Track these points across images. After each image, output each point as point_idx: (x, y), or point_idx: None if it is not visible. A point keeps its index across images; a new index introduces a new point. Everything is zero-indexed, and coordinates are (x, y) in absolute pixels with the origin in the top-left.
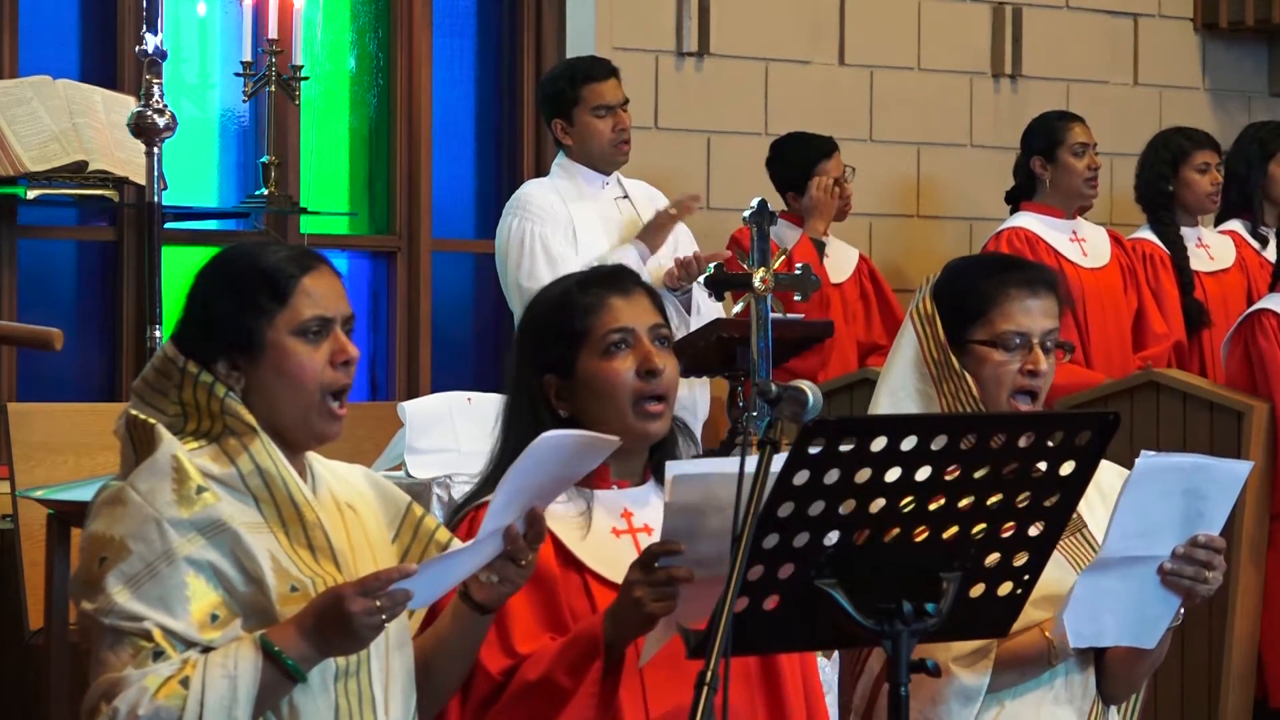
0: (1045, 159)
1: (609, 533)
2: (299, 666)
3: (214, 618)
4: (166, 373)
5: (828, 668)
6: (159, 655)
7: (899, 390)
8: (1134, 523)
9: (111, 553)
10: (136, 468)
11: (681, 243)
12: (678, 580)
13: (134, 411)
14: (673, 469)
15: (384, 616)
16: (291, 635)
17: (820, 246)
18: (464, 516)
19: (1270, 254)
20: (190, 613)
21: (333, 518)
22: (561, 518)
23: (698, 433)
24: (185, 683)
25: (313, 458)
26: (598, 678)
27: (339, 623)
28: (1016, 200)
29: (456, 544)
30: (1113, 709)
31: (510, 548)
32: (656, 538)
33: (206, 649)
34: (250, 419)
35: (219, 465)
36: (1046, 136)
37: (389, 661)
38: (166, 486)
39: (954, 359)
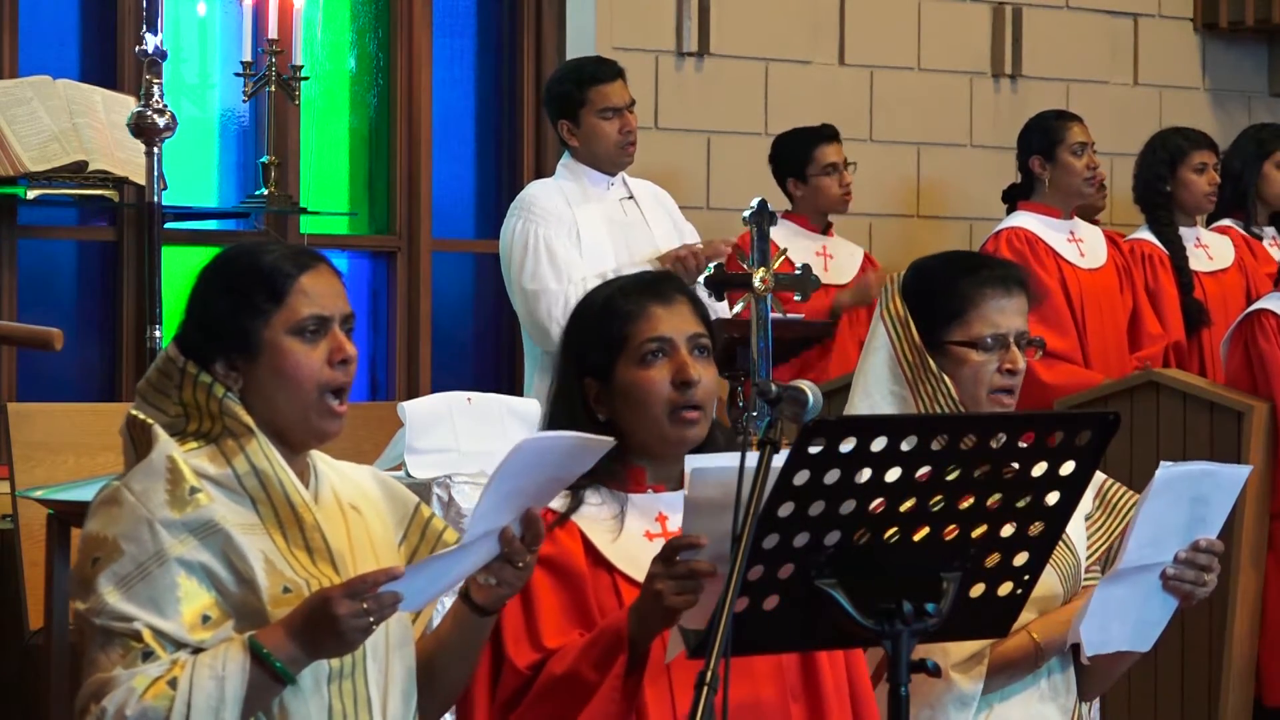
0: (1044, 158)
1: (641, 535)
2: (287, 668)
3: (205, 619)
4: (168, 373)
5: None
6: (148, 656)
7: (874, 393)
8: (1149, 533)
9: (104, 553)
10: (133, 468)
11: (687, 241)
12: (699, 574)
13: (134, 412)
14: (692, 463)
15: (371, 619)
16: (280, 637)
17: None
18: None
19: (1272, 249)
20: (181, 614)
21: (333, 519)
22: (593, 519)
23: None
24: (173, 683)
25: (319, 458)
26: (621, 672)
27: (326, 625)
28: (1014, 200)
29: (456, 545)
30: (1084, 704)
31: (507, 550)
32: None
33: (197, 650)
34: (247, 420)
35: (215, 466)
36: (1045, 136)
37: (388, 663)
38: (160, 487)
39: (930, 361)
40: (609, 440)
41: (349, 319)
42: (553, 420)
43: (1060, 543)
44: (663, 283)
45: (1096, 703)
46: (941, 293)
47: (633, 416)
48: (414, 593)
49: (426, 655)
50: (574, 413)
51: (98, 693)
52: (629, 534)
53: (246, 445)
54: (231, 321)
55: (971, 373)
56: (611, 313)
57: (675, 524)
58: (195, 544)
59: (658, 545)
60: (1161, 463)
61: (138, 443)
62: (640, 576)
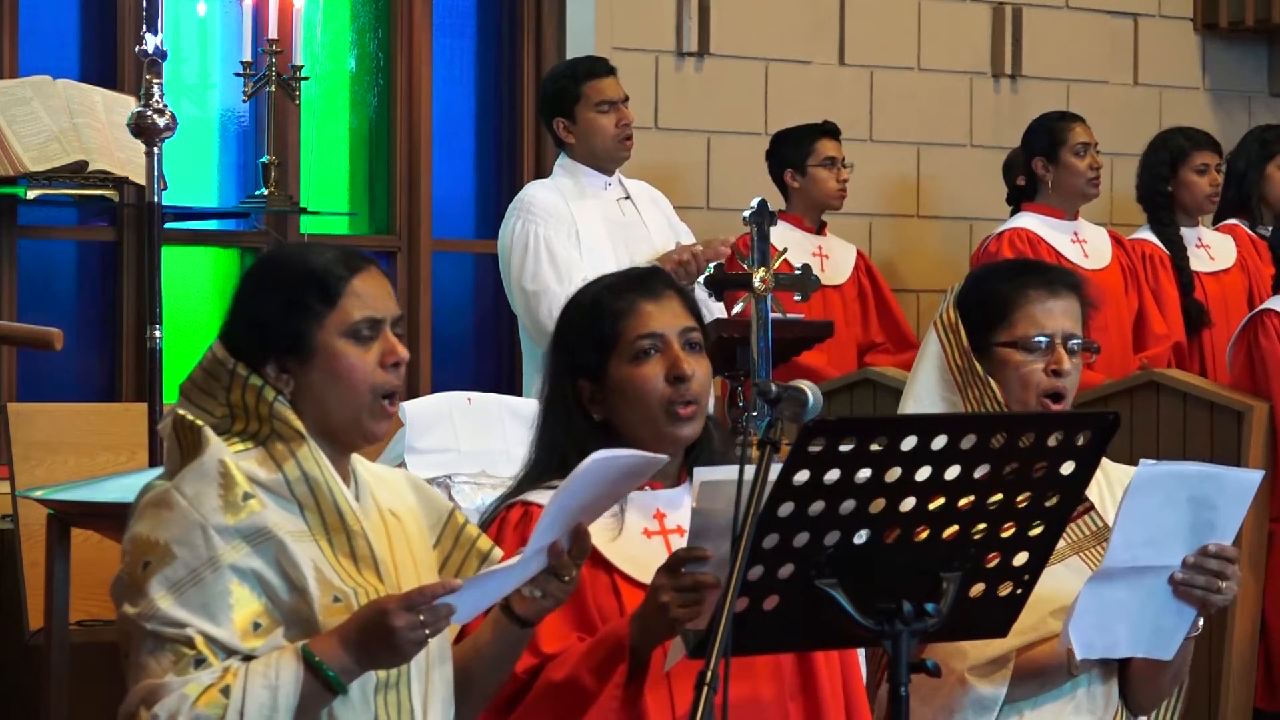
0: (1047, 159)
1: (640, 534)
2: (340, 678)
3: (256, 626)
4: (215, 374)
5: None
6: (200, 663)
7: (924, 398)
8: (1138, 532)
9: (155, 557)
10: (182, 470)
11: (684, 242)
12: (704, 586)
13: (181, 412)
14: (700, 475)
15: (427, 631)
16: (334, 647)
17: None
18: (495, 517)
19: None
20: (233, 621)
21: (376, 526)
22: None
23: None
24: (226, 691)
25: (358, 461)
26: (622, 680)
27: (382, 637)
28: (1018, 201)
29: (497, 553)
30: (1142, 719)
31: (554, 563)
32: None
33: (248, 657)
34: (298, 425)
35: (266, 471)
36: (1048, 137)
37: (430, 675)
38: (213, 492)
39: (977, 364)
40: (662, 458)
41: (399, 320)
42: (547, 423)
43: (1103, 548)
44: (651, 278)
45: (1176, 713)
46: (990, 296)
47: (629, 414)
48: (466, 605)
49: (463, 664)
50: (569, 414)
51: (148, 699)
52: (629, 533)
53: (297, 450)
54: (283, 324)
55: (1015, 374)
56: (601, 311)
57: (673, 521)
58: (248, 550)
59: (657, 543)
60: (1141, 460)
61: (185, 444)
62: (640, 575)
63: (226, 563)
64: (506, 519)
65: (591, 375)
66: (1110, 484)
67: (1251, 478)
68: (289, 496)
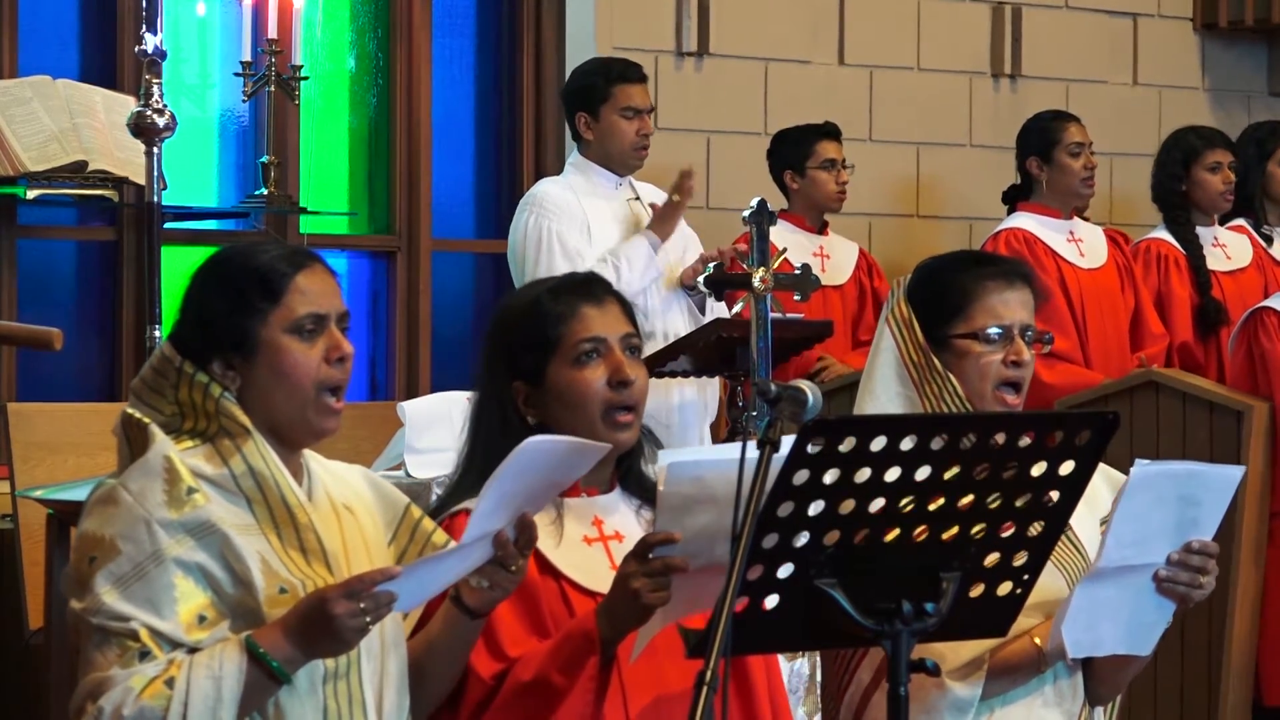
0: (1041, 159)
1: (580, 540)
2: (284, 668)
3: (201, 619)
4: (164, 372)
5: (788, 669)
6: (145, 655)
7: (881, 396)
8: (1130, 532)
9: (101, 552)
10: (129, 467)
11: (690, 245)
12: (674, 570)
13: (130, 410)
14: (666, 457)
15: (368, 619)
16: (277, 637)
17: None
18: (440, 523)
19: (1278, 252)
20: (178, 614)
21: (327, 519)
22: (537, 525)
23: (705, 433)
24: (170, 683)
25: (311, 457)
26: (594, 674)
27: (323, 625)
28: (1014, 201)
29: (451, 547)
30: (1098, 710)
31: (500, 553)
32: (627, 545)
33: (193, 650)
34: (244, 420)
35: (212, 466)
36: (1042, 137)
37: (383, 662)
38: (157, 487)
39: (935, 359)
40: (604, 446)
41: (345, 317)
42: (480, 424)
43: (1070, 545)
44: (591, 283)
45: (1116, 705)
46: (945, 288)
47: (566, 418)
48: (408, 593)
49: (415, 657)
50: (505, 416)
51: (94, 692)
52: (569, 540)
53: (243, 445)
54: (228, 321)
55: (975, 366)
56: (542, 314)
57: (611, 528)
58: (192, 544)
59: (597, 550)
60: (1137, 460)
61: (133, 442)
62: (585, 582)
63: (171, 556)
64: (453, 525)
65: (528, 378)
66: None
67: (1233, 473)
68: (235, 490)
